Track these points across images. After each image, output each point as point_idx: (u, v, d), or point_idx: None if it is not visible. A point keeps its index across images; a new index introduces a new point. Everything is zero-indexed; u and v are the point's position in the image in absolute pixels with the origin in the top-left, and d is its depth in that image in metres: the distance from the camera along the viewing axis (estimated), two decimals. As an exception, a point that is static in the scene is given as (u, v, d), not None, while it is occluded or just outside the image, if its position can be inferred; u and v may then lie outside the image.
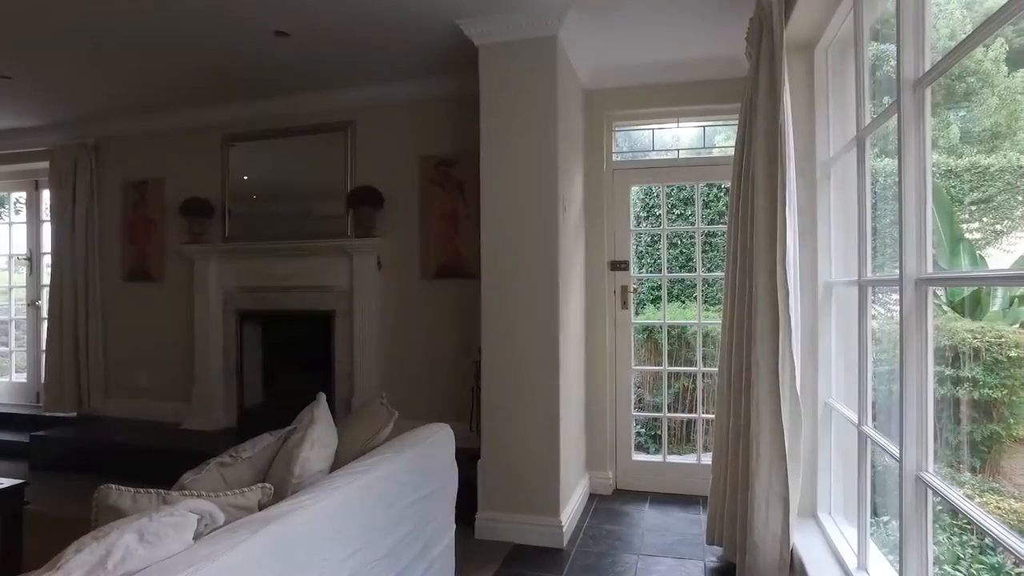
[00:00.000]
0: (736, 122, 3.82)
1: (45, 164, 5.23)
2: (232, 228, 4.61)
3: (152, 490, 1.56)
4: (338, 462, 2.08)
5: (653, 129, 4.04)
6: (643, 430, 4.88)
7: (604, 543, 3.16)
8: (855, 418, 2.25)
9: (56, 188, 5.13)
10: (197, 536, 1.40)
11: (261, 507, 1.66)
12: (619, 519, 3.48)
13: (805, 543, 2.47)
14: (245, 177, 4.63)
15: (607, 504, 3.71)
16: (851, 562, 2.20)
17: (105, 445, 4.40)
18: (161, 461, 4.13)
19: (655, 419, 4.86)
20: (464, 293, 3.94)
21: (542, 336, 3.11)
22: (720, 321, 4.42)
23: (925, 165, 1.58)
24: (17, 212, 5.95)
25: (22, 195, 5.77)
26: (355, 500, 1.81)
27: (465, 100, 3.89)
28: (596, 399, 3.89)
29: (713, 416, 4.01)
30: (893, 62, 2.61)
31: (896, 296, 2.73)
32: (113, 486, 1.52)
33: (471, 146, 3.85)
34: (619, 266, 3.95)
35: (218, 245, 4.58)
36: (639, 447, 4.13)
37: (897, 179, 1.64)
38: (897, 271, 1.66)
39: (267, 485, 1.71)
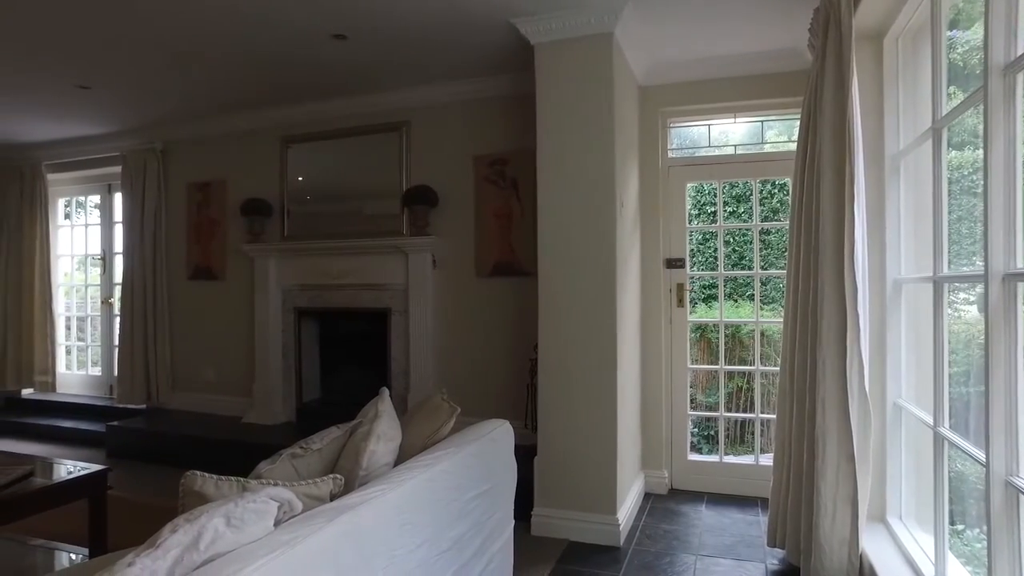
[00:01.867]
0: (795, 116, 3.74)
1: (117, 168, 5.49)
2: (291, 227, 4.73)
3: (233, 478, 1.63)
4: (402, 455, 2.12)
5: (709, 125, 3.97)
6: (695, 430, 4.80)
7: (661, 542, 3.14)
8: (930, 419, 2.17)
9: (127, 191, 5.38)
10: (277, 522, 1.46)
11: (332, 497, 1.71)
12: (675, 519, 3.44)
13: (875, 548, 2.39)
14: (300, 178, 4.76)
15: (663, 503, 3.67)
16: (928, 571, 2.12)
17: (172, 436, 4.59)
18: (224, 452, 4.30)
19: (708, 419, 4.78)
20: (519, 291, 3.97)
21: (599, 334, 3.10)
22: (779, 319, 4.34)
23: (1015, 155, 1.51)
24: (88, 215, 6.27)
25: (96, 198, 6.07)
26: (422, 493, 1.84)
27: (519, 98, 3.91)
28: (651, 397, 3.86)
29: (771, 416, 3.93)
30: (960, 50, 2.50)
31: (964, 296, 2.63)
32: (198, 473, 1.58)
33: (525, 144, 3.87)
34: (675, 264, 3.90)
35: (277, 244, 4.72)
36: (691, 447, 4.08)
37: (983, 170, 1.57)
38: (973, 266, 1.59)
39: (338, 476, 1.76)
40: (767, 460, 3.77)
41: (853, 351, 2.31)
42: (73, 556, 3.01)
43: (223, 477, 1.61)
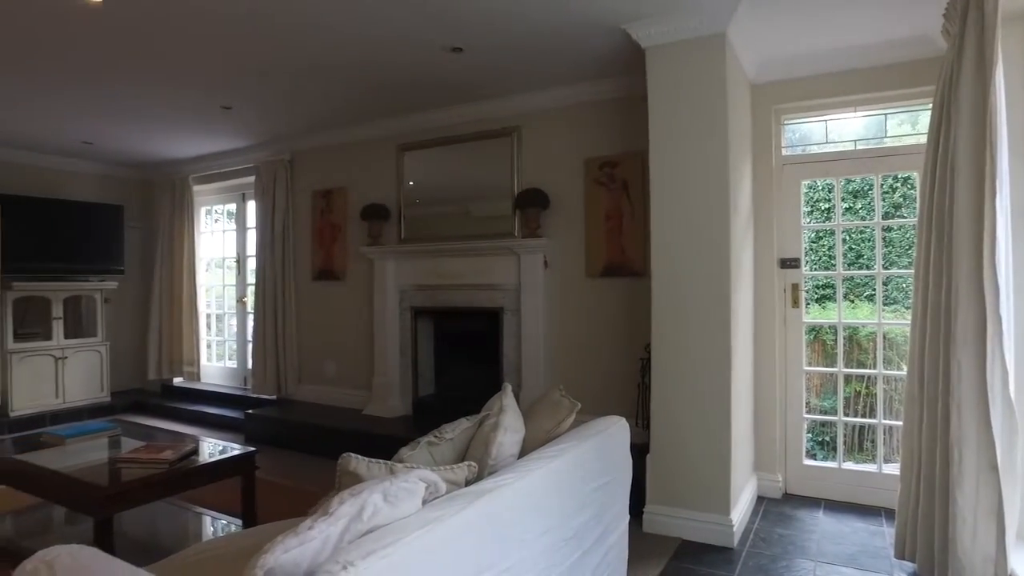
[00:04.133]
0: (922, 106, 3.54)
1: (251, 179, 6.03)
2: (407, 230, 5.00)
3: (382, 461, 1.81)
4: (524, 448, 2.24)
5: (826, 120, 3.83)
6: (808, 435, 4.63)
7: (776, 546, 3.08)
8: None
9: (259, 199, 5.89)
10: (424, 502, 1.61)
11: (467, 482, 1.86)
12: (791, 523, 3.37)
13: None
14: (411, 183, 5.01)
15: (777, 507, 3.59)
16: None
17: (301, 425, 4.98)
18: (347, 441, 4.57)
19: (822, 424, 4.60)
20: (629, 291, 4.00)
21: (713, 334, 3.10)
22: (901, 321, 4.11)
23: None
24: (217, 221, 6.91)
25: (232, 206, 6.69)
26: (549, 482, 1.95)
27: (629, 101, 3.95)
28: (764, 399, 3.79)
29: (896, 422, 3.74)
30: None
31: None
32: (353, 455, 1.77)
33: (635, 146, 3.91)
34: (789, 264, 3.80)
35: (394, 246, 4.99)
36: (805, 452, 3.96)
37: None
38: None
39: (473, 464, 1.90)
40: (891, 468, 3.60)
41: (995, 354, 2.19)
42: (222, 524, 3.38)
43: (373, 460, 1.79)
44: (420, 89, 4.29)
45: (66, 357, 5.97)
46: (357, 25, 3.26)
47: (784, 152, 3.85)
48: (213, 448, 3.29)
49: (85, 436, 3.52)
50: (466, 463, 1.89)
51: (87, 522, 3.48)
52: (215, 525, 3.42)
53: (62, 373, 5.93)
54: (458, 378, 5.06)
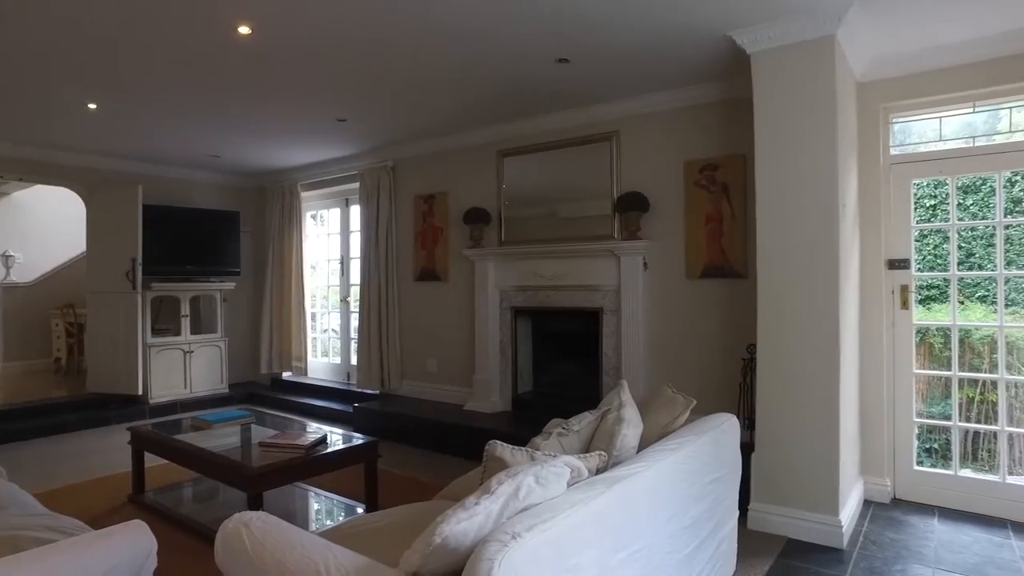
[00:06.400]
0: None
1: (355, 185, 6.41)
2: (507, 233, 5.19)
3: (524, 448, 1.99)
4: (642, 441, 2.36)
5: (940, 117, 3.72)
6: (915, 441, 4.49)
7: (888, 550, 3.06)
8: None
9: (364, 204, 6.26)
10: (567, 485, 1.77)
11: (598, 471, 2.00)
12: (902, 528, 3.32)
13: None
14: (507, 187, 5.19)
15: (886, 512, 3.54)
16: None
17: (405, 418, 5.27)
18: (450, 434, 4.86)
19: (930, 430, 4.45)
20: (730, 292, 4.04)
21: (821, 336, 3.11)
22: (1018, 323, 3.93)
23: None
24: (328, 225, 7.36)
25: (336, 211, 7.12)
26: (672, 472, 2.08)
27: (729, 103, 3.98)
28: (872, 402, 3.73)
29: (1020, 430, 3.60)
30: None
31: None
32: (499, 442, 1.96)
33: (736, 148, 3.94)
34: (898, 265, 3.73)
35: (495, 248, 5.19)
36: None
37: None
38: None
39: (603, 453, 2.05)
40: (1015, 479, 3.47)
41: None
42: (346, 507, 3.67)
43: (516, 447, 1.98)
44: (523, 98, 4.46)
45: (192, 351, 6.57)
46: (476, 47, 3.48)
47: (893, 151, 3.77)
48: (338, 438, 3.58)
49: (227, 422, 3.91)
50: (597, 452, 2.04)
51: (215, 497, 3.88)
52: (341, 507, 3.72)
53: (189, 365, 6.53)
54: (556, 376, 5.20)
